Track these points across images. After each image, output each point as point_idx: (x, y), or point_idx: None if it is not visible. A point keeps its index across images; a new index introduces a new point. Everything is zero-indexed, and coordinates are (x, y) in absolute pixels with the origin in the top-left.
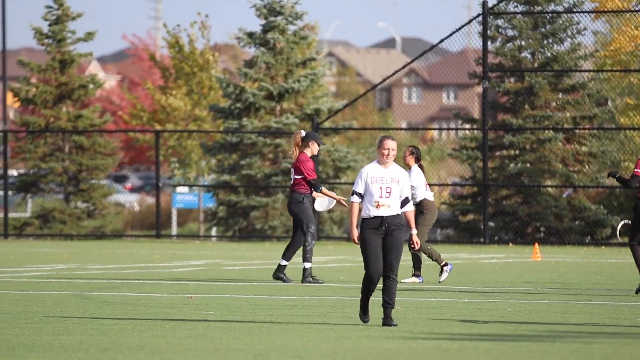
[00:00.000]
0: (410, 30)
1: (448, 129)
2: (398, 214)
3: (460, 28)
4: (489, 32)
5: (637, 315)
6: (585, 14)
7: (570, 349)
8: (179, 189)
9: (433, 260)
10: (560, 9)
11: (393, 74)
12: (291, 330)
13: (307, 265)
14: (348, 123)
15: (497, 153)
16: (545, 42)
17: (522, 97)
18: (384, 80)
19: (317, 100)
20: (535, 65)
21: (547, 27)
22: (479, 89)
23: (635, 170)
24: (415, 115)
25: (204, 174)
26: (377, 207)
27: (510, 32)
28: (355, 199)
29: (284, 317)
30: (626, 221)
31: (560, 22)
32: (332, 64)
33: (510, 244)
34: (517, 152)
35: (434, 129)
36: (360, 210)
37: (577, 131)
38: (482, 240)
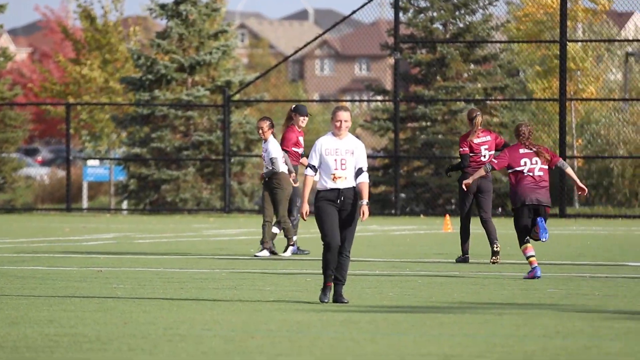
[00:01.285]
0: (323, 1)
1: (360, 100)
2: (353, 187)
3: None
4: (400, 3)
5: (546, 286)
6: None
7: (480, 320)
8: (90, 162)
9: (285, 235)
10: None
11: (305, 45)
12: (201, 303)
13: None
14: (260, 95)
15: (409, 125)
16: (457, 13)
17: (433, 68)
18: (296, 52)
19: (229, 73)
20: (447, 36)
21: None
22: (391, 60)
23: (461, 149)
24: (327, 87)
25: (115, 147)
26: (333, 179)
27: (422, 3)
28: (310, 172)
29: (194, 291)
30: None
31: None
32: (244, 36)
33: (422, 216)
34: (428, 123)
35: (346, 100)
36: (311, 184)
37: (488, 102)
38: (393, 212)
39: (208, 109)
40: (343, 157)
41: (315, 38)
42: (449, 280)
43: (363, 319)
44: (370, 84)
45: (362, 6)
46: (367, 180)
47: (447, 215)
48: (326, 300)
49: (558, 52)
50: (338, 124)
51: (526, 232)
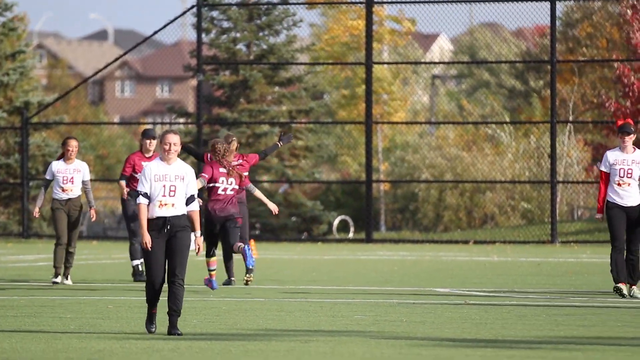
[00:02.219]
0: (123, 21)
1: (162, 123)
2: (183, 214)
3: (174, 20)
4: (203, 23)
5: (354, 312)
6: (301, 5)
7: (286, 347)
8: None
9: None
10: (275, 0)
11: (105, 66)
12: None
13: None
14: (59, 117)
15: None
16: (260, 34)
17: (237, 90)
18: (96, 73)
19: (27, 94)
20: (251, 57)
21: (263, 19)
22: (194, 82)
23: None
24: (128, 109)
25: None
26: (160, 206)
27: (225, 24)
28: (143, 200)
29: None
30: (343, 217)
31: (276, 13)
32: (42, 56)
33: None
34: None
35: (148, 123)
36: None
37: (293, 125)
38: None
39: (5, 131)
40: (172, 184)
41: (116, 59)
42: (255, 306)
43: (166, 346)
44: (172, 106)
45: (164, 27)
46: (198, 209)
47: (252, 240)
48: (153, 330)
49: (364, 75)
50: (167, 146)
51: (213, 244)
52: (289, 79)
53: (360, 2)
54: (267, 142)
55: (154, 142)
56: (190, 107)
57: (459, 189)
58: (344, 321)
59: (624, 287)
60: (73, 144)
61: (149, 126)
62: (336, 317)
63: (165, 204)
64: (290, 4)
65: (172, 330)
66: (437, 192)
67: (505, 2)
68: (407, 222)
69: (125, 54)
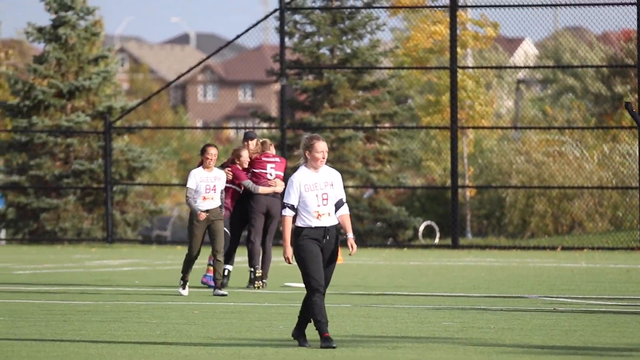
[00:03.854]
0: (205, 25)
1: (245, 127)
2: (337, 223)
3: (256, 24)
4: (286, 27)
5: (441, 319)
6: (384, 9)
7: (373, 354)
8: None
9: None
10: (359, 4)
11: (188, 71)
12: (85, 335)
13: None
14: (142, 122)
15: (296, 152)
16: (344, 38)
17: (321, 94)
18: (179, 77)
19: (110, 98)
20: (335, 62)
21: (346, 23)
22: (277, 86)
23: None
24: (210, 114)
25: None
26: (318, 217)
27: (308, 28)
28: (289, 212)
29: (77, 324)
30: (428, 222)
31: (359, 17)
32: (124, 60)
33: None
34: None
35: (230, 127)
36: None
37: (377, 130)
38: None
39: (89, 136)
40: (324, 192)
41: (199, 63)
42: (341, 312)
43: (252, 352)
44: (255, 111)
45: (246, 31)
46: (348, 212)
47: (339, 246)
48: (334, 345)
49: (448, 80)
50: (320, 155)
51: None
52: (372, 83)
53: (444, 7)
54: (352, 146)
55: (252, 142)
56: (273, 112)
57: (546, 195)
58: (431, 328)
59: None
60: (212, 152)
61: (231, 131)
62: (423, 323)
63: (323, 214)
64: (374, 7)
65: (326, 343)
66: (524, 198)
67: (591, 6)
68: (494, 229)
69: (207, 58)
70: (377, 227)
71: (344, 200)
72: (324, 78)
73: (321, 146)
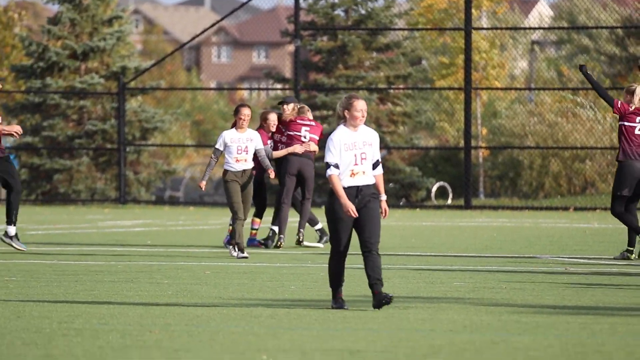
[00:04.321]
0: None
1: (259, 88)
2: (373, 183)
3: None
4: None
5: (453, 279)
6: None
7: (385, 314)
8: None
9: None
10: None
11: (202, 32)
12: (97, 296)
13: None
14: (155, 83)
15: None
16: None
17: (335, 56)
18: (193, 38)
19: (124, 59)
20: (349, 23)
21: None
22: (291, 47)
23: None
24: (225, 75)
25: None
26: (351, 175)
27: None
28: (334, 170)
29: (89, 284)
30: (441, 183)
31: None
32: (138, 21)
33: (323, 207)
34: (330, 112)
35: (245, 88)
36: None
37: (391, 91)
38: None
39: (102, 97)
40: (363, 151)
41: (213, 25)
42: (352, 272)
43: (264, 312)
44: (269, 72)
45: None
46: (382, 172)
47: None
48: (347, 307)
49: (463, 41)
50: (359, 114)
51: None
52: (387, 44)
53: None
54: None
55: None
56: (287, 73)
57: (559, 156)
58: (443, 288)
59: None
60: (245, 112)
61: (245, 92)
62: (435, 283)
63: (357, 173)
64: None
65: (383, 298)
66: (539, 159)
67: None
68: (507, 190)
69: (222, 19)
70: (390, 188)
71: (380, 161)
72: (338, 39)
73: (360, 104)
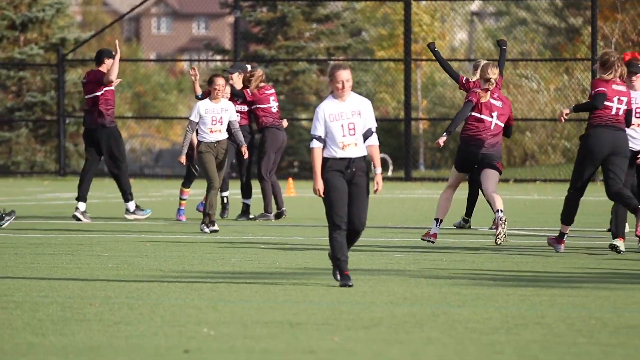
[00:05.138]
0: None
1: (198, 60)
2: (364, 156)
3: None
4: None
5: (394, 251)
6: None
7: (326, 286)
8: None
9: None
10: None
11: (141, 3)
12: (37, 268)
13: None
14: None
15: None
16: None
17: (275, 27)
18: (132, 9)
19: (63, 31)
20: None
21: None
22: (231, 19)
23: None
24: (164, 46)
25: None
26: (342, 148)
27: None
28: (316, 144)
29: (29, 257)
30: (381, 155)
31: None
32: None
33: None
34: (269, 83)
35: (184, 60)
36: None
37: (331, 62)
38: (234, 175)
39: (41, 68)
40: (351, 121)
41: None
42: (294, 245)
43: (204, 285)
44: (209, 43)
45: None
46: (377, 143)
47: (290, 178)
48: (351, 284)
49: (402, 12)
50: (339, 85)
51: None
52: (327, 15)
53: None
54: (305, 79)
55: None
56: (227, 44)
57: None
58: (383, 260)
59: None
60: (219, 82)
61: (185, 64)
62: (375, 256)
63: (348, 144)
64: None
65: (344, 281)
66: None
67: None
68: (447, 161)
69: None
70: None
71: (374, 129)
72: (278, 10)
73: (342, 75)
